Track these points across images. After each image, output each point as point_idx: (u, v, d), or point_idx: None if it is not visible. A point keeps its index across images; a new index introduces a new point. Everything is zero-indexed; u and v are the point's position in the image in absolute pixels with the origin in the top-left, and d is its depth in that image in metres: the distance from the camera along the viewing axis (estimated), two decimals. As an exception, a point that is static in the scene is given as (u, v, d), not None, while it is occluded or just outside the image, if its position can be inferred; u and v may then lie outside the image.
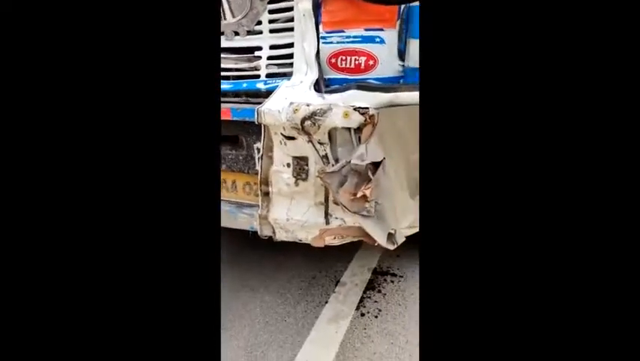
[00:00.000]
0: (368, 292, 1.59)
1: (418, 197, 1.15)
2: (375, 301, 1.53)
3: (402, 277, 1.69)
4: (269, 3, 1.11)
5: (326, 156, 1.00)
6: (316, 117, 0.93)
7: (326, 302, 1.53)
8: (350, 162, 0.91)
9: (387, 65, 1.04)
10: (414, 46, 1.02)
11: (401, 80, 1.07)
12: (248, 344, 1.31)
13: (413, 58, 1.03)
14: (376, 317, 1.45)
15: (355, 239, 1.24)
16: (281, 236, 1.23)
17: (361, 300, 1.54)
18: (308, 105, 0.94)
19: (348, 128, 0.93)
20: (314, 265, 1.77)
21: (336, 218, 1.13)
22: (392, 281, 1.66)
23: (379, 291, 1.60)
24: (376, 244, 1.12)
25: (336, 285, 1.64)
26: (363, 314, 1.46)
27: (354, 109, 0.90)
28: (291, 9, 1.07)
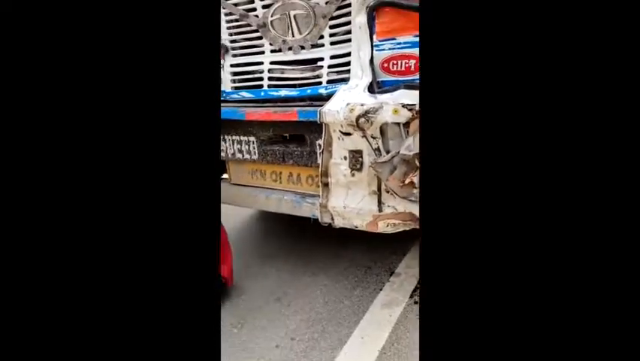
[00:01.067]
0: (422, 284, 1.66)
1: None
2: (429, 292, 1.60)
3: (457, 272, 1.72)
4: (330, 20, 1.29)
5: (378, 149, 1.13)
6: (369, 115, 1.07)
7: (380, 290, 1.64)
8: (399, 152, 1.03)
9: (436, 66, 1.15)
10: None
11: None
12: (309, 318, 1.49)
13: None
14: (429, 305, 1.52)
15: (407, 228, 1.34)
16: (339, 223, 1.39)
17: (415, 289, 1.61)
18: (362, 105, 1.09)
19: (398, 123, 1.06)
20: (369, 257, 1.89)
21: (389, 206, 1.25)
22: (447, 275, 1.71)
23: (433, 283, 1.66)
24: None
25: (390, 275, 1.73)
26: (416, 302, 1.54)
27: (403, 106, 1.03)
28: (348, 23, 1.24)
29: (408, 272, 1.75)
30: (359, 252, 1.93)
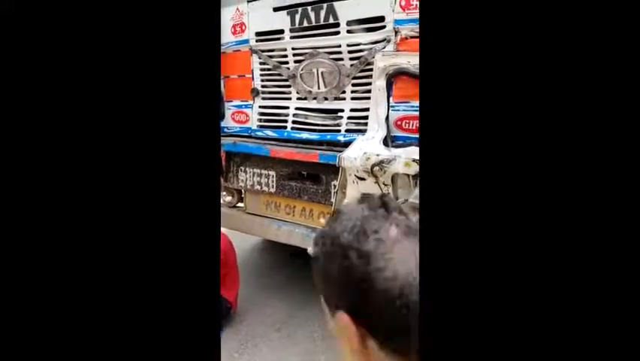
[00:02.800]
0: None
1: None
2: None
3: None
4: (352, 79, 1.50)
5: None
6: (383, 164, 1.23)
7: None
8: (407, 200, 1.17)
9: (443, 128, 1.33)
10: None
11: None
12: (307, 351, 1.54)
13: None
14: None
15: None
16: (345, 259, 1.49)
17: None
18: (378, 155, 1.25)
19: (408, 175, 1.21)
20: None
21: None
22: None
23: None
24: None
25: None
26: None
27: (413, 160, 1.19)
28: (368, 83, 1.44)
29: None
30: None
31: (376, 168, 1.24)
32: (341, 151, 1.37)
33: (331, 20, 1.46)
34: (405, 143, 1.29)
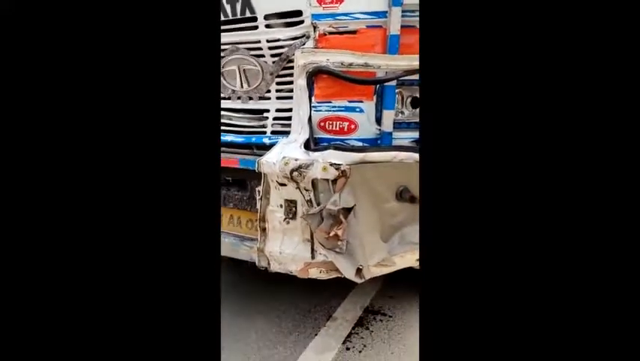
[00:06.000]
0: (356, 329, 1.70)
1: (391, 240, 1.31)
2: (362, 338, 1.64)
3: (391, 316, 1.79)
4: (276, 77, 1.41)
5: (310, 201, 1.21)
6: (302, 170, 1.16)
7: (316, 335, 1.65)
8: (325, 206, 1.11)
9: (366, 129, 1.28)
10: (387, 115, 1.26)
11: (379, 142, 1.29)
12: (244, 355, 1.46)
13: (386, 124, 1.26)
14: (360, 351, 1.55)
15: (339, 275, 1.40)
16: (275, 267, 1.42)
17: (349, 335, 1.65)
18: (296, 160, 1.18)
19: (327, 180, 1.15)
20: (310, 300, 1.91)
21: (320, 254, 1.31)
22: (381, 320, 1.76)
23: (367, 328, 1.70)
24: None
25: (327, 319, 1.76)
26: (348, 348, 1.57)
27: (331, 164, 1.13)
28: (292, 82, 1.36)
29: (345, 316, 1.78)
30: (300, 294, 1.94)
31: (295, 174, 1.17)
32: (262, 155, 1.28)
33: (248, 14, 1.36)
34: (322, 146, 1.22)
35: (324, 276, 1.40)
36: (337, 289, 1.96)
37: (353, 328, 1.70)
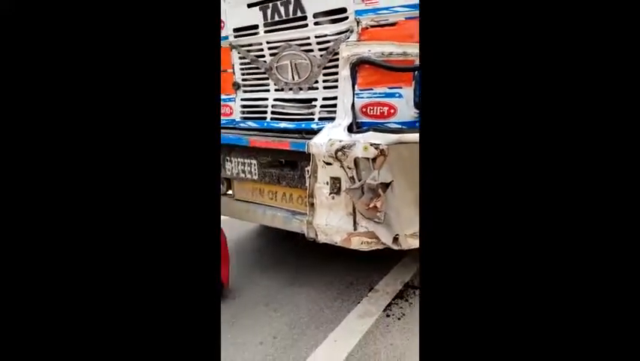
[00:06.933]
0: (396, 300, 1.84)
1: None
2: (401, 308, 1.78)
3: (430, 292, 1.90)
4: (323, 69, 1.58)
5: (353, 178, 1.37)
6: (345, 150, 1.32)
7: (358, 302, 1.82)
8: (366, 181, 1.27)
9: (405, 112, 1.40)
10: (424, 99, 1.37)
11: (416, 124, 1.41)
12: (292, 322, 1.68)
13: (424, 108, 1.37)
14: (399, 318, 1.70)
15: (380, 247, 1.55)
16: (322, 238, 1.61)
17: (389, 305, 1.80)
18: (340, 141, 1.34)
19: (367, 158, 1.30)
20: (353, 273, 2.08)
21: (362, 226, 1.47)
22: (420, 294, 1.88)
23: (406, 300, 1.84)
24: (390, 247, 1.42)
25: (369, 291, 1.92)
26: (388, 315, 1.72)
27: (371, 144, 1.27)
28: (337, 73, 1.52)
29: (385, 289, 1.93)
30: (344, 268, 2.13)
31: (339, 153, 1.34)
32: (310, 139, 1.47)
33: (299, 14, 1.54)
34: (363, 129, 1.37)
35: (365, 247, 1.56)
36: (379, 265, 2.11)
37: (393, 299, 1.84)
